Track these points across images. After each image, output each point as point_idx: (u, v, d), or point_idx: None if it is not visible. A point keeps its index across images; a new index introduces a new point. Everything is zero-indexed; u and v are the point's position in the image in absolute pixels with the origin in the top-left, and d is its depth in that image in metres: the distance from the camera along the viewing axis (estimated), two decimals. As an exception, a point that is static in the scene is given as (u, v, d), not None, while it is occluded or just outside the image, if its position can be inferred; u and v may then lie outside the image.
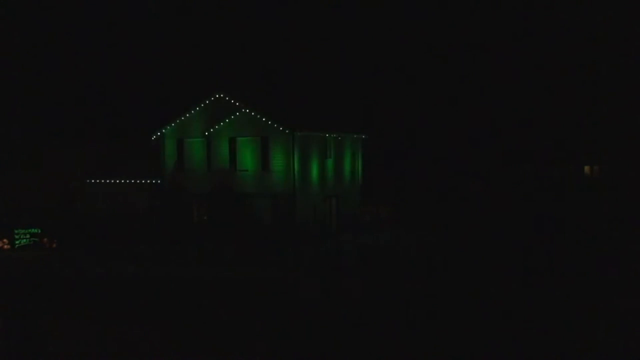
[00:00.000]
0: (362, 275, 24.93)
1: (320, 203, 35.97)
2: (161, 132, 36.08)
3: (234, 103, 34.39)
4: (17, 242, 33.04)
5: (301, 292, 22.54)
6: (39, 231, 33.60)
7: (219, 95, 34.80)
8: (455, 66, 53.53)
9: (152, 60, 57.35)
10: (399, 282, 23.27)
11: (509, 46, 52.59)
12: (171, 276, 25.02)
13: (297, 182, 33.43)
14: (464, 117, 51.33)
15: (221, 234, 32.04)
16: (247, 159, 34.37)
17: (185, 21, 60.30)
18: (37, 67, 53.67)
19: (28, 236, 33.41)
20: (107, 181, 38.03)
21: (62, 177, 39.19)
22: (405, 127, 51.75)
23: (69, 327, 17.59)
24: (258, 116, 33.75)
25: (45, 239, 33.08)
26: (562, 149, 47.22)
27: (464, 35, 53.94)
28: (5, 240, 33.12)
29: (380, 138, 44.64)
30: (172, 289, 23.35)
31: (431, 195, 43.91)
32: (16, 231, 33.41)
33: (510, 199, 42.16)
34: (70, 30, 56.65)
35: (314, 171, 35.67)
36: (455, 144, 50.19)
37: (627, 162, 45.46)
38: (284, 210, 33.41)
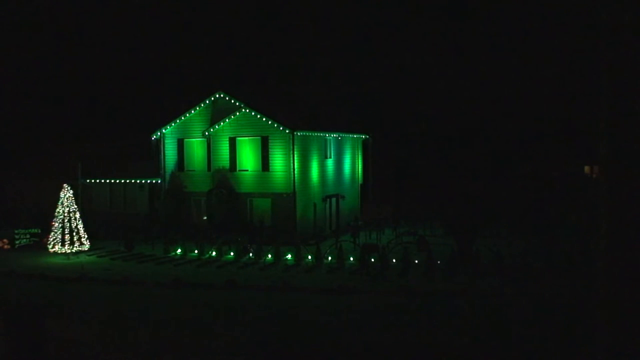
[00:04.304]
0: (362, 274, 24.99)
1: (320, 203, 36.00)
2: (161, 132, 36.12)
3: (234, 103, 34.41)
4: (17, 242, 33.02)
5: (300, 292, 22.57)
6: (39, 231, 33.57)
7: (219, 95, 34.84)
8: (455, 66, 53.55)
9: (152, 60, 57.36)
10: (398, 281, 23.30)
11: (509, 46, 52.61)
12: (171, 277, 25.03)
13: (297, 182, 33.44)
14: (465, 117, 51.34)
15: (221, 234, 32.05)
16: (247, 159, 34.39)
17: (186, 20, 60.32)
18: (37, 66, 53.69)
19: (28, 236, 33.38)
20: (107, 181, 38.03)
21: (62, 176, 39.24)
22: (405, 127, 51.76)
23: (68, 328, 17.62)
24: (258, 116, 33.76)
25: (45, 239, 33.06)
26: (562, 149, 47.20)
27: (464, 34, 53.97)
28: (5, 240, 33.10)
29: (380, 138, 44.69)
30: (171, 290, 23.40)
31: (431, 196, 43.87)
32: (16, 231, 33.40)
33: (511, 199, 42.13)
34: (70, 29, 56.66)
35: (314, 171, 35.68)
36: (455, 144, 50.17)
37: (628, 162, 45.25)
38: (284, 210, 33.42)
